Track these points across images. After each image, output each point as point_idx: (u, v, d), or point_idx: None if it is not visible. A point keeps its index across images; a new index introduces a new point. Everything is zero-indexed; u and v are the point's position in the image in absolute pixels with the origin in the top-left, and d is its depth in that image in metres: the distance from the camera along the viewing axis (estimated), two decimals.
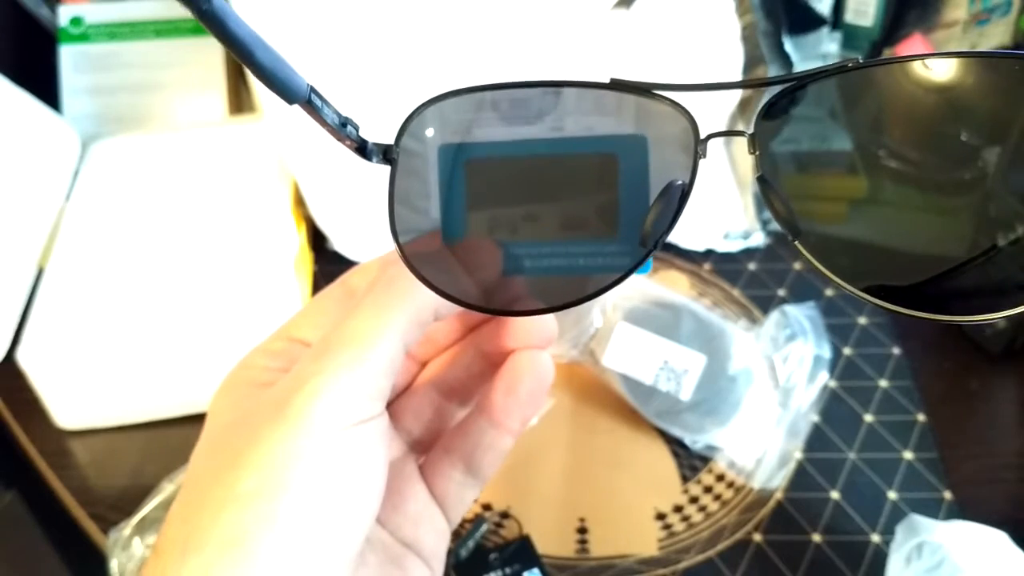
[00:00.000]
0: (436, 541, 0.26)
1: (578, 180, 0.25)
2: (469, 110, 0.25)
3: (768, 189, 0.23)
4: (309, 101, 0.20)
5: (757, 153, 0.23)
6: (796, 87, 0.24)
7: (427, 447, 0.28)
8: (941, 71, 0.22)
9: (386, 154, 0.24)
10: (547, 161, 0.25)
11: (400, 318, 0.23)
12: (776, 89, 0.24)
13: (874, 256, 0.23)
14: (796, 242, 0.23)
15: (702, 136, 0.23)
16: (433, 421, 0.28)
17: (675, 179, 0.23)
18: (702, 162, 0.23)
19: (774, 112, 0.24)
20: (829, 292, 0.59)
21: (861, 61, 0.23)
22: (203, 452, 0.23)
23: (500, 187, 0.25)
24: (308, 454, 0.21)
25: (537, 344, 0.26)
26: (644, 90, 0.24)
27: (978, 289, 0.23)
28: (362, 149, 0.23)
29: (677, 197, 0.23)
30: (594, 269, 0.25)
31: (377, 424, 0.22)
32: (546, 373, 0.26)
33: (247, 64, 0.19)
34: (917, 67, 0.23)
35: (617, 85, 0.24)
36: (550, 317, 0.26)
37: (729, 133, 0.24)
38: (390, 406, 0.27)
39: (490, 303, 0.24)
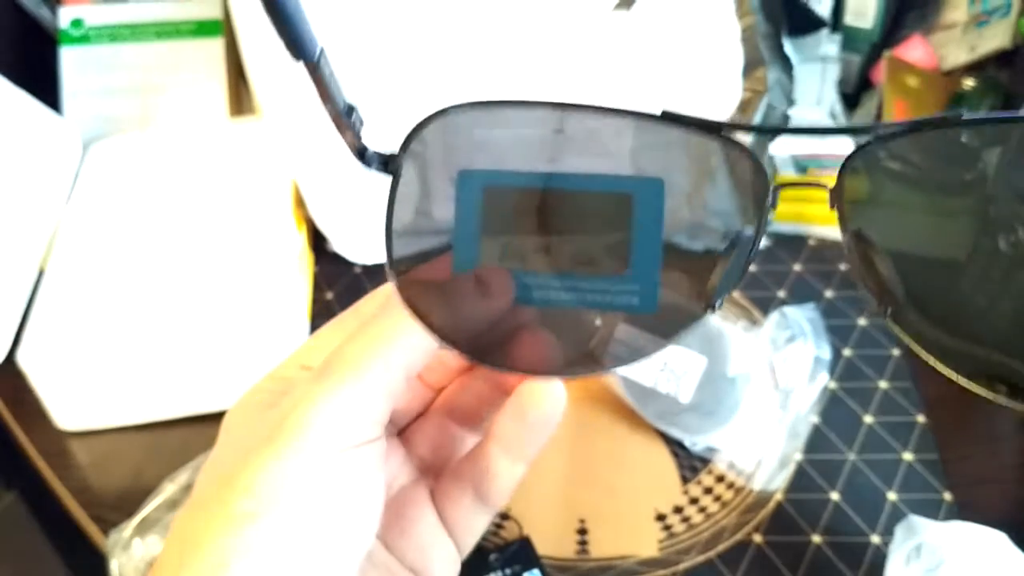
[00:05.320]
0: (445, 568, 0.26)
1: (592, 220, 0.22)
2: (485, 126, 0.21)
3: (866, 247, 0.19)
4: (317, 63, 0.18)
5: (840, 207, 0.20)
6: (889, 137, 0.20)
7: (439, 473, 0.27)
8: None
9: (387, 164, 0.21)
10: (567, 197, 0.22)
11: (402, 343, 0.22)
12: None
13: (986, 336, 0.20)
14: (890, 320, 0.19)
15: (772, 184, 0.19)
16: (444, 447, 0.28)
17: (741, 231, 0.20)
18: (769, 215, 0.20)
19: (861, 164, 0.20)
20: (829, 294, 0.59)
21: (964, 117, 0.19)
22: (209, 468, 0.23)
23: (519, 220, 0.23)
24: (301, 476, 0.21)
25: None
26: (705, 127, 0.20)
27: None
28: (361, 152, 0.21)
29: (746, 252, 0.20)
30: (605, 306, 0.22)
31: (374, 448, 0.22)
32: (557, 400, 0.25)
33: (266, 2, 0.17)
34: None
35: (670, 117, 0.20)
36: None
37: (803, 184, 0.20)
38: (404, 432, 0.27)
39: (489, 354, 0.22)
